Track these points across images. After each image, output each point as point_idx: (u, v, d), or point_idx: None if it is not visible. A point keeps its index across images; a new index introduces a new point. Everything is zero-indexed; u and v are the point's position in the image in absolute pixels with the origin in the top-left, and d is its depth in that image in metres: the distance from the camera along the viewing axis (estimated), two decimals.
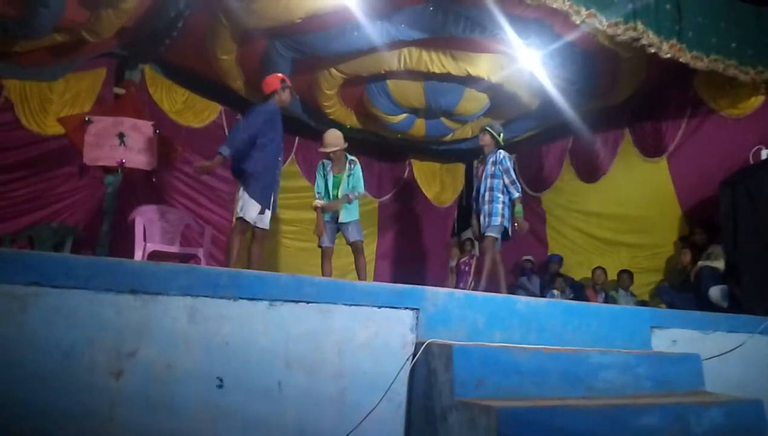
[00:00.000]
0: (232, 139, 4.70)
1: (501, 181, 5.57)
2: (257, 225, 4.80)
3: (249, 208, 4.70)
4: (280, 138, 4.95)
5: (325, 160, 5.67)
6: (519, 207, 5.57)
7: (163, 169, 6.96)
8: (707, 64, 5.03)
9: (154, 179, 6.89)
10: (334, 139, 5.60)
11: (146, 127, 6.71)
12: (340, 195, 5.53)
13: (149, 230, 5.64)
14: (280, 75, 5.06)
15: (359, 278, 5.46)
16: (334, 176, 5.59)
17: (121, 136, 6.59)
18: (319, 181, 5.65)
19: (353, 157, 5.69)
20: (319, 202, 5.53)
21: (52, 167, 6.44)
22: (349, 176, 5.58)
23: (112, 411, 2.04)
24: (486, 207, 5.57)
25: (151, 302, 2.15)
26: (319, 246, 5.58)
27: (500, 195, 5.55)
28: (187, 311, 2.18)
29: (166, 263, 2.40)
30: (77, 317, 2.04)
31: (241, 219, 4.73)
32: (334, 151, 5.55)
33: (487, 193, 5.61)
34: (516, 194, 5.56)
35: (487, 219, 5.54)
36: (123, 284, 2.12)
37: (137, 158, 6.62)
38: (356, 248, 5.57)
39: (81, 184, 6.63)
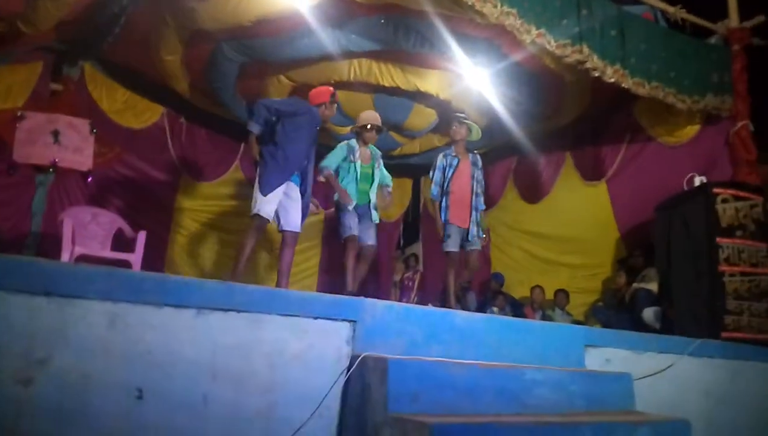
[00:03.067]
0: (257, 111, 4.61)
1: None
2: (260, 214, 4.54)
3: (263, 204, 4.52)
4: (304, 143, 4.68)
5: (350, 142, 5.17)
6: (485, 218, 5.49)
7: (99, 171, 6.68)
8: (648, 90, 5.18)
9: (89, 180, 6.61)
10: (374, 115, 5.28)
11: (83, 125, 6.44)
12: (370, 191, 5.12)
13: (78, 232, 5.36)
14: (330, 88, 4.93)
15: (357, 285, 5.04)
16: (362, 166, 5.11)
17: (55, 133, 6.30)
18: (333, 155, 5.07)
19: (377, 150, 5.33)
20: (324, 173, 5.00)
21: None
22: (378, 169, 5.22)
23: (17, 421, 1.89)
24: (476, 215, 5.29)
25: (67, 305, 2.02)
26: (344, 237, 4.93)
27: None
28: (106, 316, 2.05)
29: (84, 264, 2.26)
30: None
31: (257, 215, 4.53)
32: (378, 130, 5.19)
33: (475, 199, 5.32)
34: (484, 206, 5.45)
35: (476, 229, 5.27)
36: (37, 286, 1.98)
37: (72, 158, 6.34)
38: (371, 253, 5.13)
39: (9, 182, 6.27)
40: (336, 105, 4.92)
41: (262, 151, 4.64)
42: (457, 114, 5.56)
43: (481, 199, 5.42)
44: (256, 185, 4.61)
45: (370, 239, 5.06)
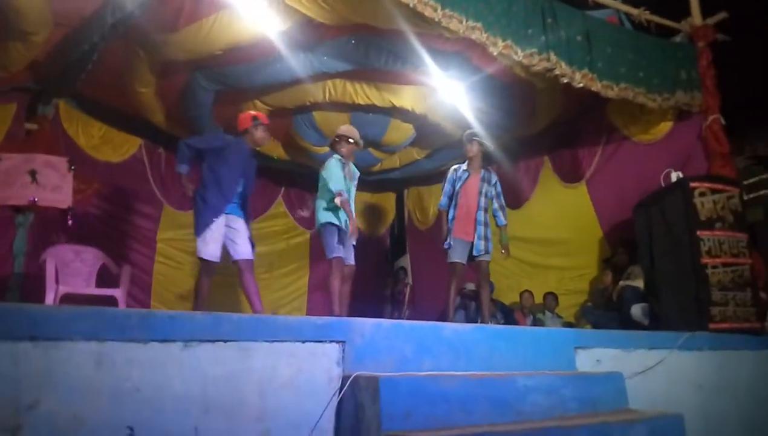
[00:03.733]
0: (190, 146, 4.68)
1: (489, 203, 5.49)
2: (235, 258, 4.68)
3: (204, 247, 4.57)
4: (233, 177, 4.70)
5: (342, 159, 5.11)
6: (506, 233, 5.58)
7: (80, 207, 6.64)
8: (617, 92, 5.26)
9: (69, 217, 6.56)
10: (347, 128, 5.26)
11: (60, 163, 6.40)
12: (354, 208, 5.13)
13: (62, 271, 5.33)
14: (252, 112, 4.95)
15: (345, 307, 5.03)
16: (348, 182, 5.09)
17: (32, 173, 6.25)
18: (337, 173, 4.97)
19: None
20: (344, 196, 4.90)
21: None
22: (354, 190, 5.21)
23: None
24: (483, 229, 5.39)
25: (53, 348, 2.00)
26: (331, 257, 4.93)
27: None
28: (93, 356, 2.04)
29: (68, 305, 2.25)
30: None
31: (201, 259, 4.60)
32: (356, 144, 5.16)
33: (482, 214, 5.42)
34: (504, 221, 5.55)
35: (483, 243, 5.37)
36: (22, 331, 1.96)
37: (51, 196, 6.28)
38: (352, 273, 5.14)
39: None
40: (262, 127, 4.88)
41: (194, 192, 4.68)
42: (467, 132, 5.72)
43: (500, 214, 5.56)
44: (195, 233, 4.65)
45: (351, 260, 5.08)
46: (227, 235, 4.69)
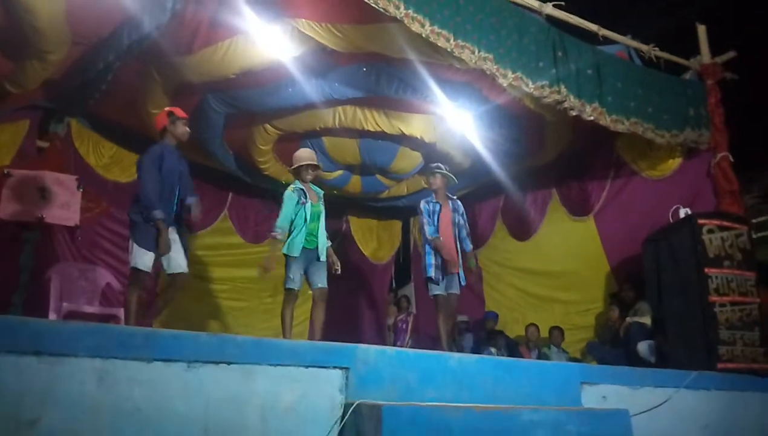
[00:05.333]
0: (150, 200, 4.31)
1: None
2: (169, 272, 4.41)
3: (141, 257, 4.26)
4: (169, 180, 4.51)
5: (300, 186, 4.82)
6: (473, 258, 5.47)
7: (87, 226, 6.65)
8: (627, 127, 5.28)
9: (77, 235, 6.57)
10: (309, 153, 4.96)
11: (70, 181, 6.42)
12: (318, 232, 4.79)
13: (66, 288, 5.32)
14: (168, 108, 4.68)
15: (318, 332, 4.75)
16: (313, 206, 4.77)
17: (42, 190, 6.27)
18: (288, 210, 4.71)
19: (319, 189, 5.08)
20: (278, 235, 4.66)
21: None
22: (323, 210, 4.91)
23: None
24: (462, 261, 5.32)
25: (56, 364, 1.99)
26: (284, 287, 4.73)
27: None
28: (95, 374, 2.03)
29: (74, 321, 2.24)
30: None
31: (135, 269, 4.28)
32: (315, 168, 4.87)
33: (459, 245, 5.36)
34: (471, 246, 5.47)
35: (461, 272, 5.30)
36: (26, 346, 1.96)
37: (59, 214, 6.29)
38: (324, 296, 4.83)
39: None
40: (180, 121, 4.56)
41: (133, 211, 4.44)
42: (431, 165, 5.62)
43: (467, 241, 5.46)
44: (133, 241, 4.38)
45: (320, 282, 4.81)
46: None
